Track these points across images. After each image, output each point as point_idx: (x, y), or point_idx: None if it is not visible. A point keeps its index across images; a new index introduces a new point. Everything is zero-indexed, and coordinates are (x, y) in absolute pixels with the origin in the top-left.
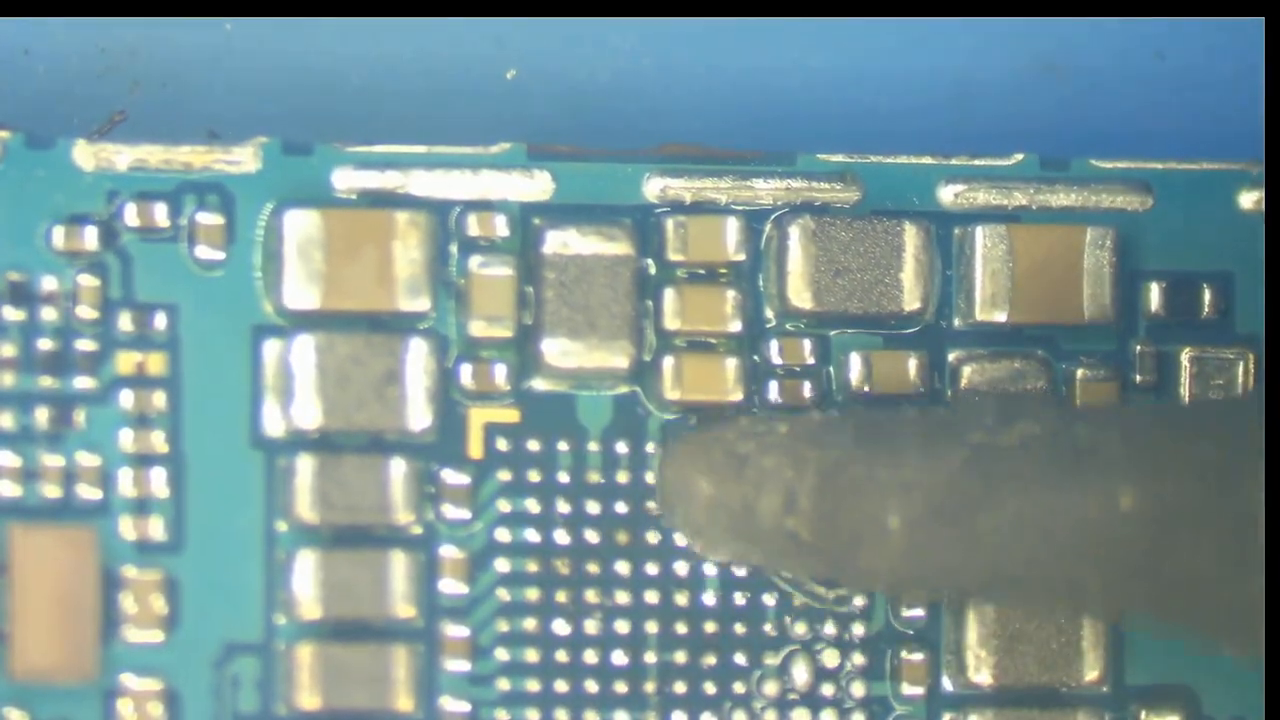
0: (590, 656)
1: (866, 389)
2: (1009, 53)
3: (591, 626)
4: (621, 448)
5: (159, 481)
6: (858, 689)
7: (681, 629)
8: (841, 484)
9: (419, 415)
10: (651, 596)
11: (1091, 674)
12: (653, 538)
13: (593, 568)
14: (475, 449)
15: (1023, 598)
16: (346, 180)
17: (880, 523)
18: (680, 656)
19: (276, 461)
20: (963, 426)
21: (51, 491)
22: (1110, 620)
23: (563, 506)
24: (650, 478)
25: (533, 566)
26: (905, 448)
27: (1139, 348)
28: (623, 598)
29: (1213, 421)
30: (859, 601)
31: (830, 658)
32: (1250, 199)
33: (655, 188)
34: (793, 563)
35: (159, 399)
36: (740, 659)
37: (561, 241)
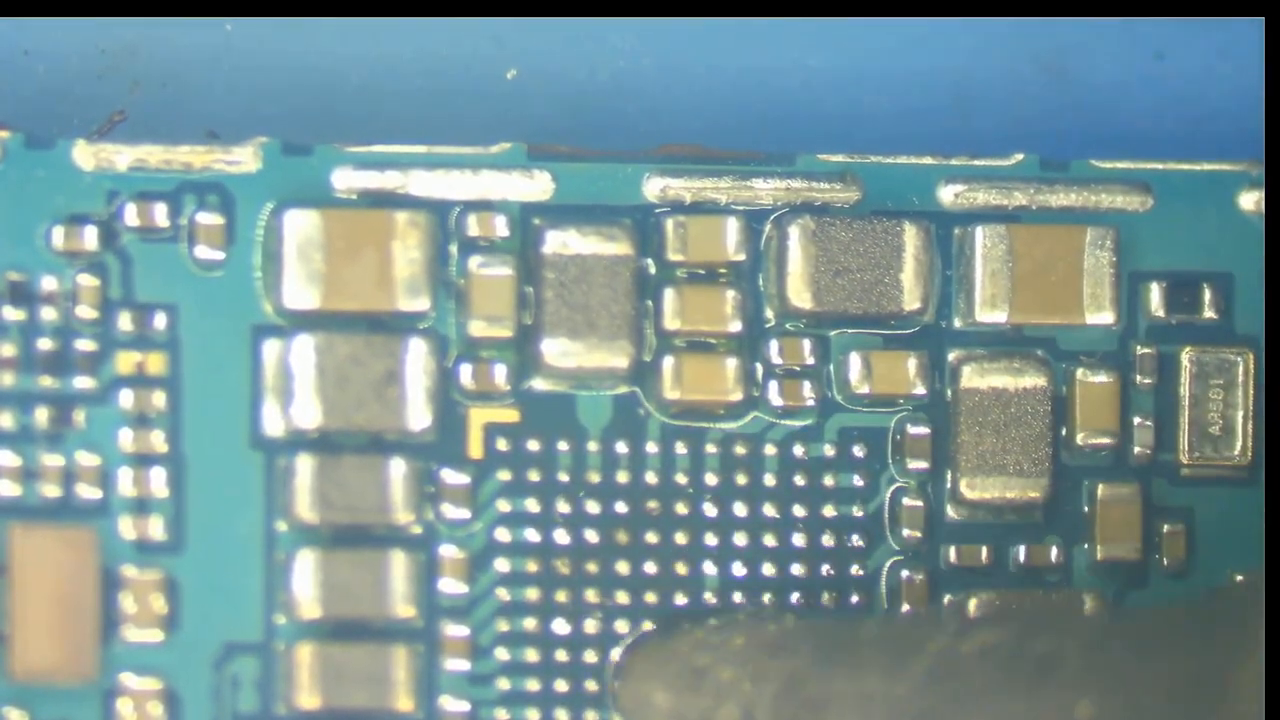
0: (590, 656)
1: (866, 389)
2: (1009, 53)
3: (591, 626)
4: (621, 448)
5: (159, 481)
6: None
7: (681, 628)
8: (801, 697)
9: (419, 415)
10: (651, 596)
11: None
12: (652, 538)
13: (592, 568)
14: (475, 449)
15: None
16: (346, 180)
17: None
18: None
19: (276, 461)
20: (922, 636)
21: (51, 491)
22: None
23: (562, 506)
24: (651, 477)
25: (532, 566)
26: (865, 659)
27: (1139, 348)
28: (622, 598)
29: (1175, 633)
30: (857, 599)
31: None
32: (1250, 199)
33: (655, 188)
34: None
35: (159, 399)
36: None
37: (561, 241)
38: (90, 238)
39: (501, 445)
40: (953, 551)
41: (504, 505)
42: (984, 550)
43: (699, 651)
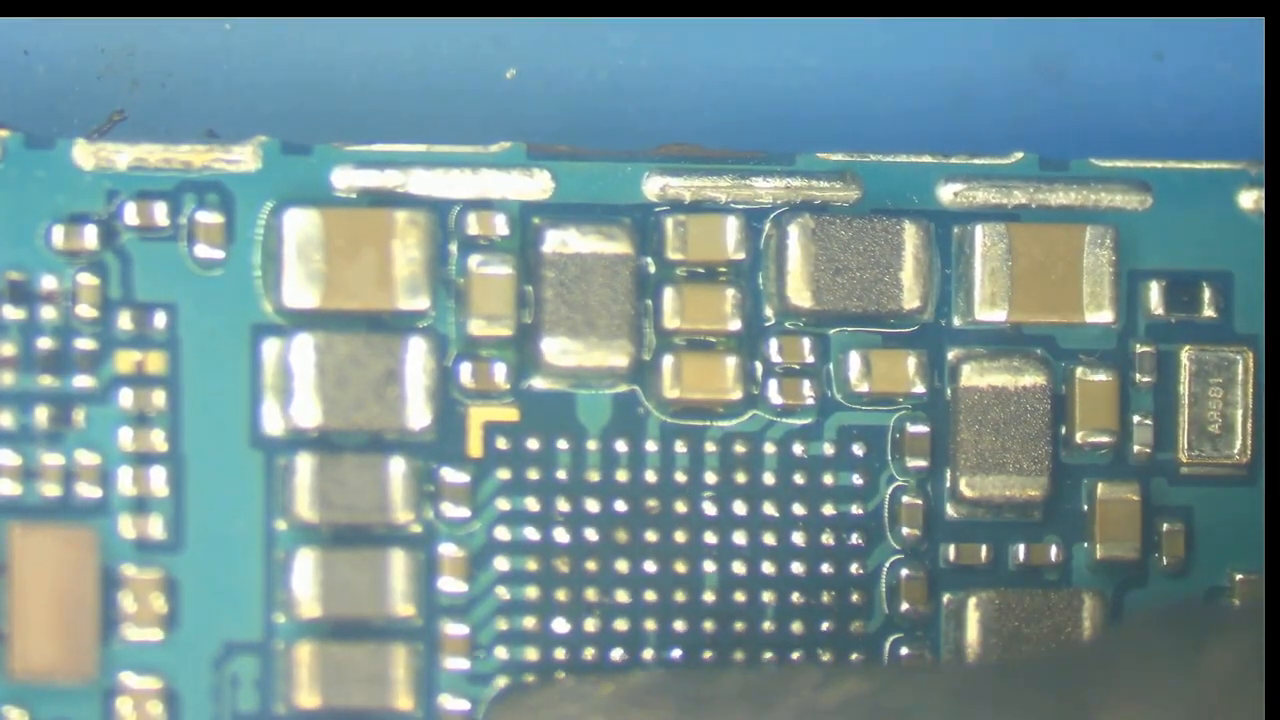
0: (589, 654)
1: (866, 388)
2: (1009, 52)
3: (590, 625)
4: (620, 446)
5: (158, 481)
6: None
7: (680, 627)
8: None
9: (418, 414)
10: (650, 595)
11: None
12: (652, 536)
13: (592, 566)
14: (475, 448)
15: None
16: (346, 179)
17: None
18: (678, 654)
19: (276, 461)
20: (783, 688)
21: (51, 491)
22: None
23: (562, 505)
24: (650, 475)
25: (532, 565)
26: (729, 712)
27: (1138, 347)
28: (622, 596)
29: (1035, 684)
30: (856, 598)
31: (828, 655)
32: (1250, 198)
33: (655, 187)
34: None
35: (158, 398)
36: (738, 657)
37: (561, 240)
38: (90, 237)
39: (501, 444)
40: (952, 550)
41: (503, 504)
42: (983, 549)
43: (565, 701)
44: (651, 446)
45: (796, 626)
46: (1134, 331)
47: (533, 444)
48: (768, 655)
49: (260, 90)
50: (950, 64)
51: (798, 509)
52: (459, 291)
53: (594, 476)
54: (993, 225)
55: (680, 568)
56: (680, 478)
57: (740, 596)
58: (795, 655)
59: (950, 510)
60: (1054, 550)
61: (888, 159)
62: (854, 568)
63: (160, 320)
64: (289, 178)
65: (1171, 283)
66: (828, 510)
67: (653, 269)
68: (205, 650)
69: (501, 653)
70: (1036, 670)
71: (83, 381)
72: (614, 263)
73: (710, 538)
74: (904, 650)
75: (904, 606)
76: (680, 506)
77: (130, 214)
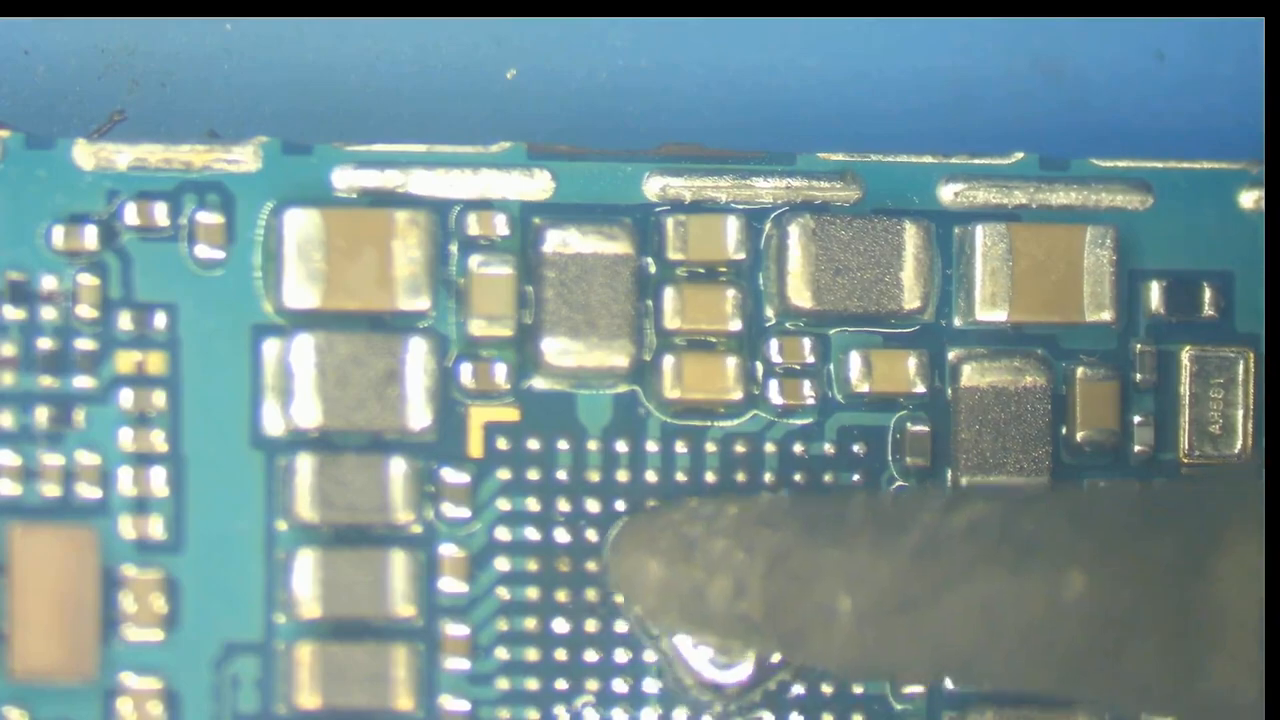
0: (590, 655)
1: (866, 388)
2: (1009, 52)
3: (591, 625)
4: (621, 446)
5: (159, 481)
6: (857, 688)
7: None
8: (790, 570)
9: (419, 414)
10: None
11: None
12: None
13: (592, 566)
14: (475, 448)
15: (974, 684)
16: (346, 179)
17: (829, 610)
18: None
19: (276, 461)
20: (910, 512)
21: (51, 491)
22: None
23: (562, 505)
24: (651, 475)
25: (533, 565)
26: (853, 534)
27: (1139, 347)
28: (622, 597)
29: (1162, 514)
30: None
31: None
32: (1250, 198)
33: (655, 187)
34: (746, 644)
35: (159, 398)
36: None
37: (561, 240)
38: (90, 237)
39: (501, 444)
40: None
41: (504, 504)
42: None
43: (691, 523)
44: (652, 447)
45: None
46: (1134, 331)
47: (533, 444)
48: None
49: (260, 90)
50: (950, 64)
51: None
52: (459, 292)
53: (594, 477)
54: (993, 225)
55: None
56: (681, 478)
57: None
58: None
59: None
60: None
61: (888, 159)
62: None
63: (160, 320)
64: (289, 178)
65: (1172, 283)
66: None
67: (653, 269)
68: (206, 651)
69: (502, 653)
70: (1162, 501)
71: (83, 382)
72: (614, 263)
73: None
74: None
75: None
76: None
77: (130, 214)
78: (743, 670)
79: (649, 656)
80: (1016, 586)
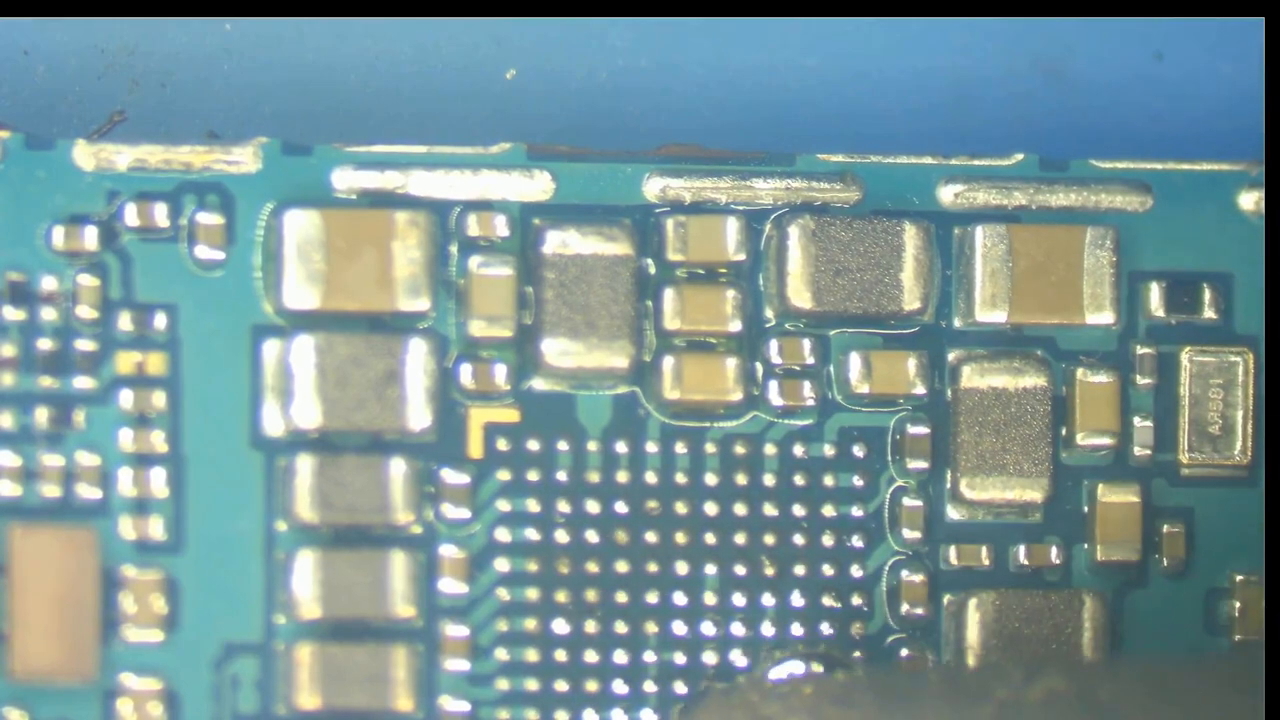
0: (590, 656)
1: (866, 389)
2: (1009, 53)
3: (591, 626)
4: (621, 447)
5: (159, 481)
6: None
7: (680, 629)
8: None
9: (419, 415)
10: (651, 596)
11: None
12: (652, 537)
13: (592, 567)
14: (475, 449)
15: None
16: (346, 180)
17: None
18: (679, 657)
19: (276, 461)
20: (987, 685)
21: (51, 491)
22: None
23: (562, 506)
24: (651, 477)
25: (532, 566)
26: (929, 710)
27: (1139, 348)
28: (622, 598)
29: (1238, 676)
30: (857, 600)
31: (828, 650)
32: (1250, 199)
33: (655, 188)
34: None
35: (159, 399)
36: (739, 659)
37: (561, 241)
38: (90, 238)
39: (501, 445)
40: (953, 551)
41: (504, 505)
42: (984, 550)
43: (766, 702)
44: (652, 448)
45: (797, 628)
46: (1134, 333)
47: (533, 445)
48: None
49: (260, 90)
50: (950, 64)
51: (798, 510)
52: (459, 292)
53: (594, 478)
54: (993, 226)
55: (681, 569)
56: (681, 479)
57: (740, 598)
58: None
59: (951, 512)
60: (1054, 551)
61: (888, 160)
62: (854, 569)
63: (161, 321)
64: (289, 178)
65: (1172, 284)
66: (828, 512)
67: (653, 270)
68: (205, 651)
69: (502, 654)
70: (1233, 663)
71: (83, 382)
72: (614, 264)
73: (710, 539)
74: (904, 651)
75: (904, 608)
76: (681, 508)
77: (130, 215)
78: None
79: (649, 657)
80: None
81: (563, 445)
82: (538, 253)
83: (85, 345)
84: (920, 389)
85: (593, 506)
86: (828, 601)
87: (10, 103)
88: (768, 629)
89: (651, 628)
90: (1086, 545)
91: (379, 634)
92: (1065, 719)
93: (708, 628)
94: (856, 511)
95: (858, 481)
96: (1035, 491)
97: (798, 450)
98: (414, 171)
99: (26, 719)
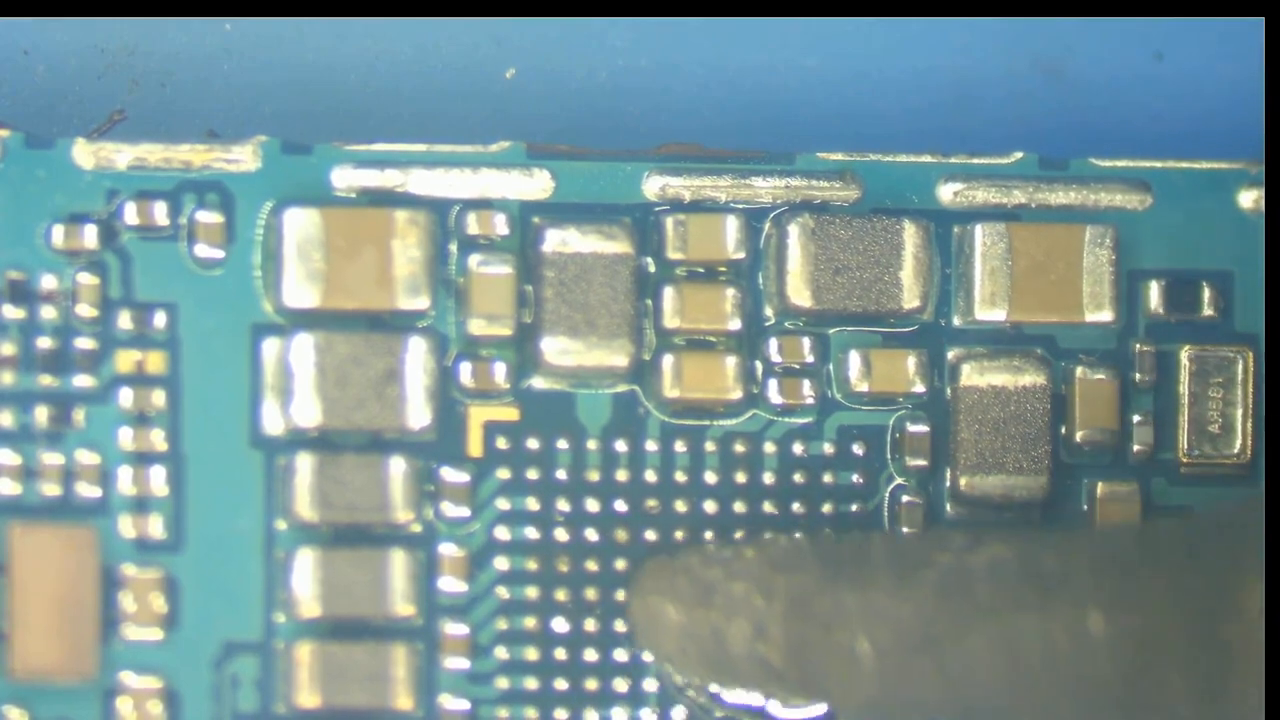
0: (590, 654)
1: (865, 387)
2: (1009, 52)
3: (591, 624)
4: (621, 446)
5: (158, 480)
6: None
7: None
8: (810, 611)
9: (418, 414)
10: None
11: None
12: (652, 536)
13: (592, 566)
14: (475, 447)
15: None
16: (346, 179)
17: (850, 651)
18: None
19: (276, 460)
20: (930, 552)
21: (51, 490)
22: None
23: (562, 505)
24: (650, 475)
25: (532, 564)
26: (872, 576)
27: (1138, 346)
28: (622, 596)
29: (1184, 548)
30: None
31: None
32: (1250, 198)
33: (655, 186)
34: (766, 689)
35: (158, 398)
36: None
37: (561, 240)
38: (90, 236)
39: (501, 444)
40: None
41: (503, 503)
42: None
43: (709, 566)
44: (651, 446)
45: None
46: (1134, 331)
47: (533, 444)
48: None
49: (260, 90)
50: (950, 64)
51: (797, 508)
52: (459, 291)
53: (594, 476)
54: (993, 225)
55: None
56: (680, 477)
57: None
58: None
59: (950, 509)
60: None
61: (887, 159)
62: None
63: (160, 320)
64: (289, 177)
65: (1171, 282)
66: (828, 509)
67: (653, 268)
68: (205, 650)
69: (502, 652)
70: (1182, 538)
71: (83, 381)
72: (614, 262)
73: (710, 537)
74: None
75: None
76: (680, 506)
77: (130, 214)
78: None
79: (648, 656)
80: (1040, 622)
81: (562, 444)
82: (537, 251)
83: (85, 344)
84: (920, 387)
85: (592, 505)
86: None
87: (10, 103)
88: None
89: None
90: None
91: (379, 633)
92: (1009, 586)
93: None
94: (856, 509)
95: (857, 480)
96: (1034, 489)
97: (797, 449)
98: (414, 170)
99: (26, 718)
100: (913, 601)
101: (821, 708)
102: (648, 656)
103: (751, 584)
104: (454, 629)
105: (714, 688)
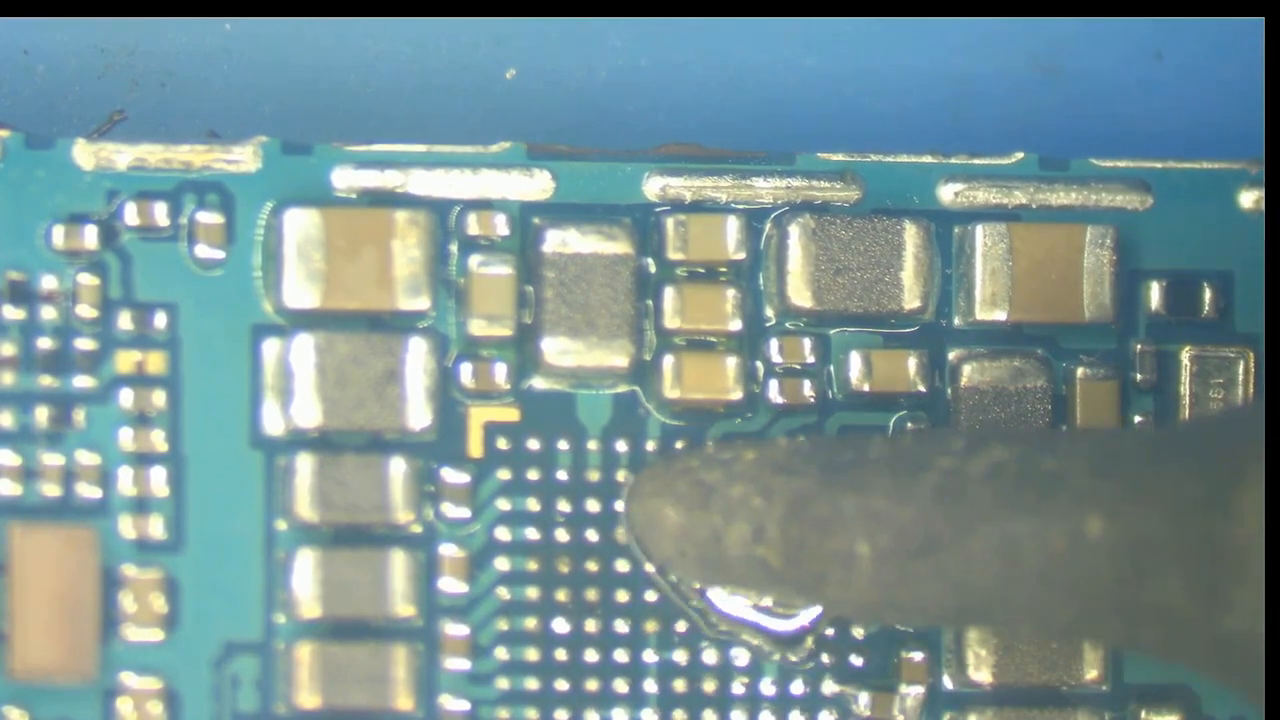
0: (590, 655)
1: (866, 388)
2: (1009, 52)
3: (591, 625)
4: (621, 446)
5: (159, 481)
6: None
7: (681, 626)
8: (809, 514)
9: (419, 414)
10: (651, 595)
11: (1091, 673)
12: None
13: (592, 566)
14: (475, 448)
15: (995, 626)
16: (346, 179)
17: (848, 553)
18: (680, 655)
19: (276, 461)
20: (929, 455)
21: (51, 491)
22: (1092, 645)
23: (563, 505)
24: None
25: (533, 565)
26: (872, 477)
27: (1139, 347)
28: (622, 596)
29: (1183, 450)
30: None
31: (829, 657)
32: (1250, 198)
33: (655, 187)
34: (763, 590)
35: (159, 398)
36: (740, 659)
37: (561, 240)
38: (90, 237)
39: (501, 444)
40: None
41: (504, 504)
42: None
43: (709, 468)
44: (652, 447)
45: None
46: (1134, 331)
47: (533, 444)
48: (767, 660)
49: (260, 90)
50: (950, 64)
51: None
52: (459, 291)
53: (594, 477)
54: (993, 225)
55: None
56: None
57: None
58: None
59: None
60: None
61: (888, 159)
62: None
63: (160, 320)
64: (289, 178)
65: (1172, 283)
66: None
67: (653, 269)
68: (205, 650)
69: (502, 653)
70: (1181, 438)
71: (83, 381)
72: (614, 263)
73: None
74: (904, 654)
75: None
76: None
77: (130, 214)
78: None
79: (649, 657)
80: (1038, 525)
81: (563, 444)
82: (538, 252)
83: (85, 344)
84: (920, 388)
85: (593, 505)
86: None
87: (10, 103)
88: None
89: (652, 626)
90: None
91: (379, 633)
92: (1008, 488)
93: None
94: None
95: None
96: None
97: None
98: (414, 171)
99: (26, 719)
100: (912, 504)
101: (818, 610)
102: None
103: (751, 486)
104: (454, 630)
105: (712, 594)
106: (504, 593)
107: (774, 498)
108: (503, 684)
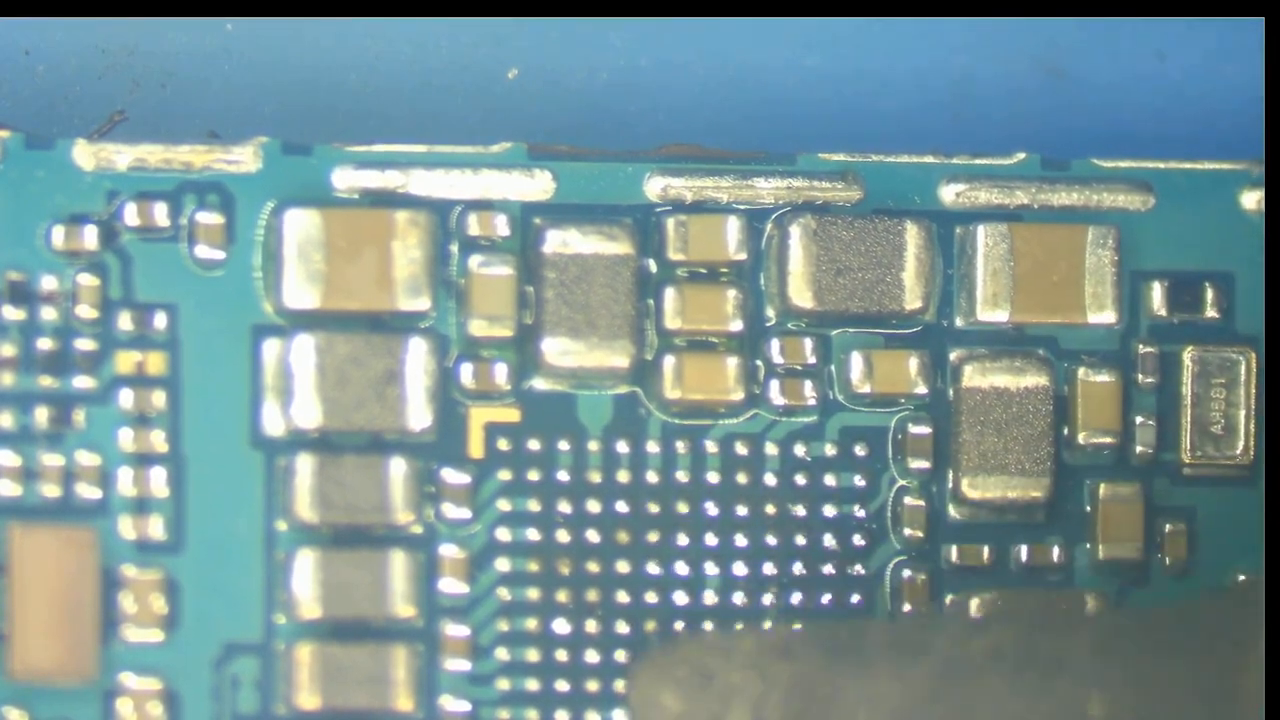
0: (591, 656)
1: (867, 388)
2: (1010, 53)
3: (592, 626)
4: (622, 447)
5: (159, 481)
6: None
7: (681, 629)
8: (810, 699)
9: (419, 415)
10: (652, 596)
11: None
12: (653, 537)
13: (593, 567)
14: (475, 448)
15: None
16: (346, 180)
17: None
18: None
19: (276, 461)
20: (930, 637)
21: (51, 491)
22: None
23: (563, 506)
24: (652, 476)
25: (533, 566)
26: (873, 661)
27: (1141, 347)
28: (623, 597)
29: (1181, 634)
30: (858, 599)
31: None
32: (1251, 199)
33: (656, 187)
34: None
35: (159, 399)
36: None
37: (562, 241)
38: (90, 237)
39: (502, 445)
40: (954, 551)
41: (504, 505)
42: (985, 550)
43: (708, 654)
44: (653, 447)
45: (798, 628)
46: (1136, 332)
47: (534, 445)
48: None
49: (260, 90)
50: (951, 64)
51: (799, 510)
52: (460, 292)
53: (595, 477)
54: (995, 225)
55: (681, 569)
56: (682, 478)
57: (741, 598)
58: None
59: (952, 511)
60: (1056, 551)
61: (889, 159)
62: (856, 569)
63: (160, 321)
64: (289, 178)
65: (1174, 283)
66: (829, 511)
67: (654, 269)
68: (205, 651)
69: (503, 654)
70: (1182, 617)
71: (83, 382)
72: (615, 263)
73: (711, 539)
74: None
75: (906, 607)
76: (682, 507)
77: (130, 214)
78: None
79: None
80: (1041, 707)
81: (563, 445)
82: (538, 252)
83: (85, 345)
84: (922, 388)
85: (594, 506)
86: (828, 601)
87: (10, 103)
88: (768, 628)
89: (652, 627)
90: (1088, 545)
91: (379, 634)
92: (1009, 670)
93: (708, 627)
94: (858, 511)
95: (859, 481)
96: (1037, 491)
97: (799, 450)
98: (414, 171)
99: (26, 719)
100: (914, 686)
101: None
102: None
103: (751, 671)
104: (455, 630)
105: None
106: (504, 593)
107: (774, 683)
108: (503, 685)
